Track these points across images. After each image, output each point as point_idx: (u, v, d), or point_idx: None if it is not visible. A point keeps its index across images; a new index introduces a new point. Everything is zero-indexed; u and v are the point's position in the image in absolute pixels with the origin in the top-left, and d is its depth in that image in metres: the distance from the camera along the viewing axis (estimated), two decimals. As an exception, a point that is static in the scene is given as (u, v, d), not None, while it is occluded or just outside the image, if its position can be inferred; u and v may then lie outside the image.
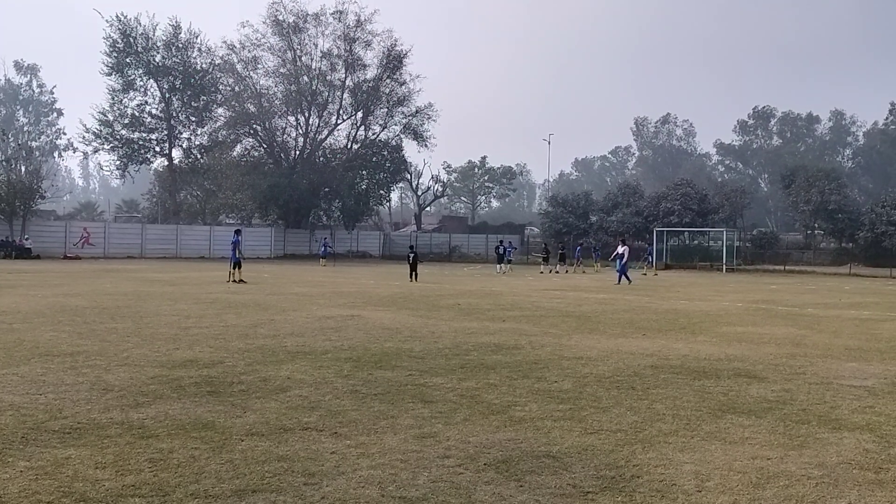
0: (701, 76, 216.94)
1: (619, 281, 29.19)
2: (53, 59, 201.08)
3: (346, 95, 61.01)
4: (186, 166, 60.12)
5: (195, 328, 12.65)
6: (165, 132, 58.30)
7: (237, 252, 25.97)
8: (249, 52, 59.06)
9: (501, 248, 38.57)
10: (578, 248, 44.95)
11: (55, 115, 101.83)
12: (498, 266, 38.06)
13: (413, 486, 4.90)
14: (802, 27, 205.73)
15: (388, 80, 61.17)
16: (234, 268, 25.59)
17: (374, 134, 63.38)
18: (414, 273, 29.22)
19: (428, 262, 49.33)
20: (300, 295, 20.53)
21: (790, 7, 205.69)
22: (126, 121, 57.03)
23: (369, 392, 7.72)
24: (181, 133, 59.44)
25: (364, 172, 63.33)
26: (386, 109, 62.27)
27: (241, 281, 24.88)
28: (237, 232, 27.58)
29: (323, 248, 45.53)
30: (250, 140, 61.00)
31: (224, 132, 59.64)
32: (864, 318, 16.87)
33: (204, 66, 58.52)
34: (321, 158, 61.92)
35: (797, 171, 61.90)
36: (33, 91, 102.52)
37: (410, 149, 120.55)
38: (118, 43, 55.92)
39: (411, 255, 29.90)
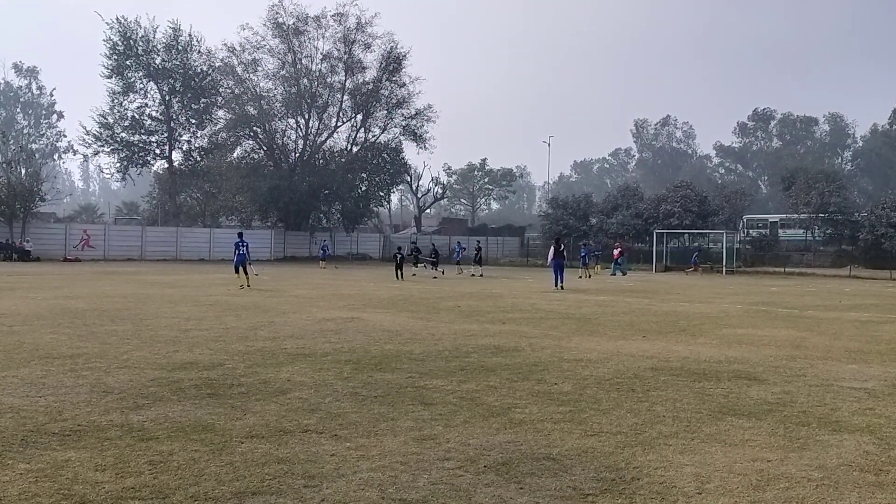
0: (700, 78, 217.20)
1: (560, 285, 26.06)
2: (53, 61, 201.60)
3: (345, 98, 61.06)
4: (186, 169, 60.14)
5: (195, 330, 12.65)
6: (165, 134, 58.32)
7: (248, 254, 24.75)
8: (249, 54, 59.11)
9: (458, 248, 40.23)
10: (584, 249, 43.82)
11: (55, 117, 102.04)
12: (460, 267, 39.56)
13: (413, 489, 4.89)
14: (801, 30, 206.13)
15: (387, 83, 61.21)
16: (243, 272, 23.84)
17: (373, 136, 63.44)
18: (399, 272, 31.56)
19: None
20: (300, 297, 20.53)
21: (789, 10, 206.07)
22: (126, 123, 57.07)
23: (369, 394, 7.72)
24: (181, 135, 59.49)
25: (364, 174, 63.36)
26: (385, 111, 62.30)
27: (247, 284, 23.64)
28: (241, 234, 26.45)
29: (322, 251, 45.50)
30: (250, 142, 61.06)
31: (224, 134, 59.68)
32: (864, 320, 16.86)
33: (204, 68, 58.55)
34: (321, 161, 61.92)
35: (797, 173, 61.87)
36: (33, 93, 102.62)
37: (410, 151, 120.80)
38: (118, 45, 55.94)
39: (399, 256, 32.63)
